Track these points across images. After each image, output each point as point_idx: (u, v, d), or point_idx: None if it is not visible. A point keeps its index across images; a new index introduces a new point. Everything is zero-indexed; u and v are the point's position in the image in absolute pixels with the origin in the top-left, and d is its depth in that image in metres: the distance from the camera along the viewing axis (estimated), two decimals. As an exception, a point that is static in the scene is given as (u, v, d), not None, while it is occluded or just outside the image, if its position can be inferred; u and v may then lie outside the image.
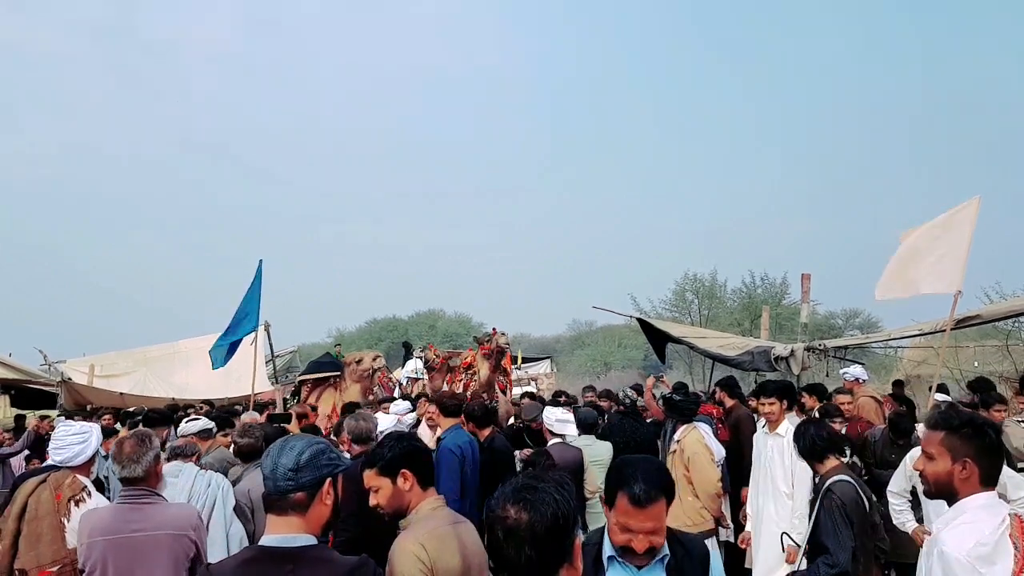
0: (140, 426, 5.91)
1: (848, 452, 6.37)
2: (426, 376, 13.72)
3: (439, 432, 6.33)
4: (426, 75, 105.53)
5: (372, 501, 2.84)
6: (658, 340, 13.72)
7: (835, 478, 4.27)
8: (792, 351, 10.69)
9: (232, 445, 5.82)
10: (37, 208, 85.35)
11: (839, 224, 73.88)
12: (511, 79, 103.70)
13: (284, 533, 2.20)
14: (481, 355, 12.56)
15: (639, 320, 14.88)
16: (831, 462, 4.40)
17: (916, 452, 5.18)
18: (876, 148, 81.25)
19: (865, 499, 4.17)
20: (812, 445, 4.49)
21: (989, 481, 2.48)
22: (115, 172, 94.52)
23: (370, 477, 2.83)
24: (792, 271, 33.65)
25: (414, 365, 15.57)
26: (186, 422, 6.47)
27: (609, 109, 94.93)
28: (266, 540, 2.20)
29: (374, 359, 12.85)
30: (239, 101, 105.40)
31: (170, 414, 8.38)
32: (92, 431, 4.30)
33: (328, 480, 2.33)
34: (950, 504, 2.53)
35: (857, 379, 8.52)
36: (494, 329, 12.57)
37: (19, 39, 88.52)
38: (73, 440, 4.22)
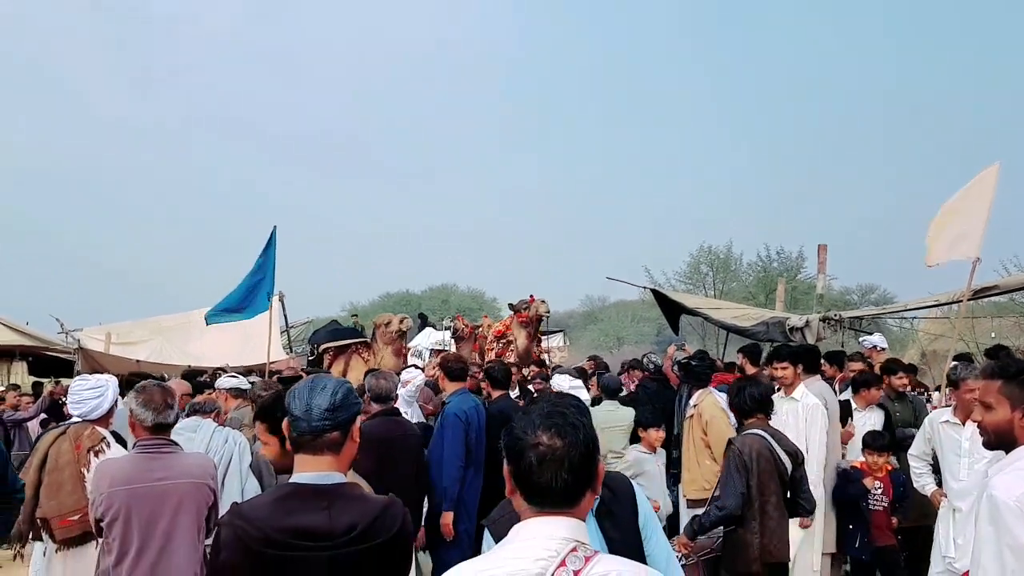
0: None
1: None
2: (454, 346, 13.63)
3: (444, 395, 6.36)
4: (425, 47, 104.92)
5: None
6: (672, 312, 13.65)
7: (745, 432, 4.40)
8: (807, 322, 10.66)
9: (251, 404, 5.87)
10: (45, 187, 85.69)
11: (856, 199, 73.25)
12: (520, 46, 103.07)
13: (318, 471, 2.22)
14: (518, 323, 12.24)
15: (653, 291, 14.83)
16: (753, 419, 4.49)
17: (937, 416, 5.17)
18: (895, 120, 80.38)
19: (780, 454, 4.26)
20: (741, 402, 4.57)
21: None
22: (124, 147, 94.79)
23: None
24: (808, 245, 33.37)
25: (432, 336, 15.47)
26: (224, 377, 6.57)
27: (623, 78, 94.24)
28: (299, 478, 2.22)
29: (401, 321, 12.74)
30: (245, 74, 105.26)
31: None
32: (108, 384, 4.35)
33: (357, 418, 2.35)
34: (1007, 452, 2.52)
35: (876, 347, 8.45)
36: (531, 296, 12.12)
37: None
38: (89, 394, 4.29)
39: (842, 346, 11.10)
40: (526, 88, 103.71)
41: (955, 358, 8.13)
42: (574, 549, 1.63)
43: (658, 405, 6.92)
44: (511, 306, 12.65)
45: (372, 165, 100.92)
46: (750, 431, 4.36)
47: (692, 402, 6.30)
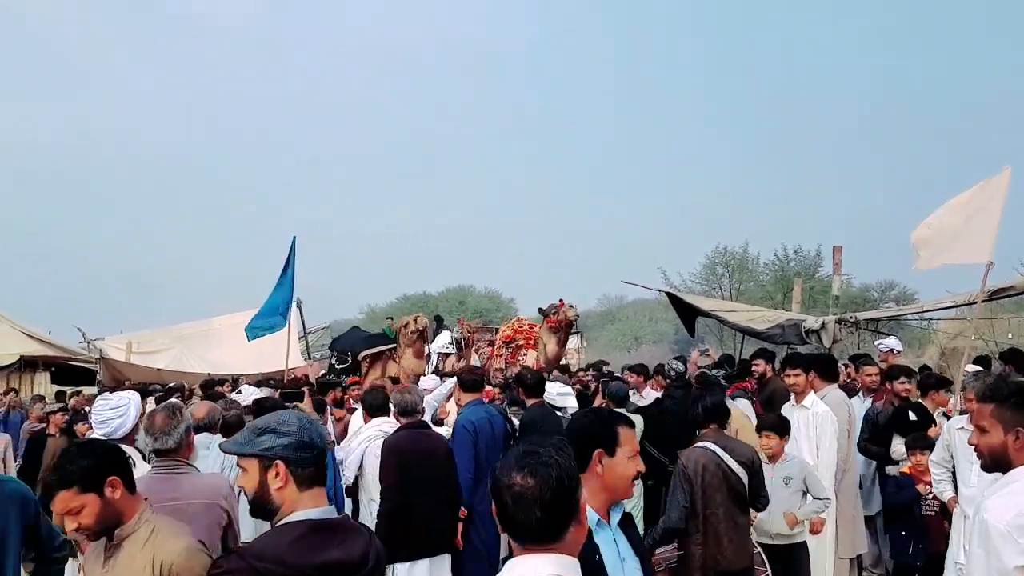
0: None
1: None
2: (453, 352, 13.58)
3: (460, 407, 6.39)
4: (440, 43, 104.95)
5: (73, 525, 2.45)
6: (688, 314, 13.65)
7: (695, 445, 4.44)
8: (823, 324, 10.61)
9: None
10: (63, 191, 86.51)
11: (875, 195, 72.70)
12: (536, 44, 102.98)
13: (323, 505, 2.23)
14: (547, 329, 11.94)
15: (668, 294, 14.79)
16: (706, 430, 4.52)
17: (954, 422, 5.19)
18: (912, 117, 79.69)
19: (729, 465, 4.29)
20: (695, 414, 4.60)
21: None
22: (140, 152, 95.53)
23: (67, 499, 2.44)
24: (827, 243, 33.17)
25: (444, 339, 15.47)
26: (235, 393, 6.55)
27: (638, 76, 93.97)
28: (310, 514, 2.19)
29: (415, 319, 12.61)
30: (263, 77, 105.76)
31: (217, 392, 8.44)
32: (130, 402, 4.25)
33: None
34: (1004, 473, 2.52)
35: (892, 350, 8.40)
36: (560, 301, 11.83)
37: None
38: (112, 413, 4.16)
39: (858, 348, 11.06)
40: (541, 89, 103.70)
41: (974, 361, 8.09)
42: None
43: (676, 412, 6.84)
44: (541, 311, 12.36)
45: (385, 166, 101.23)
46: (697, 444, 4.40)
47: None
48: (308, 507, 2.18)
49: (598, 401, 8.39)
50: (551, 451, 1.85)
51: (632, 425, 2.70)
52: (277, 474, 2.17)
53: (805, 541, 5.00)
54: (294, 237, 11.57)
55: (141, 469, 4.08)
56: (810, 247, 31.26)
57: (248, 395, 6.18)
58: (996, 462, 2.55)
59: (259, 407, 5.38)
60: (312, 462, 2.20)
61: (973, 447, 2.65)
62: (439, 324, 18.89)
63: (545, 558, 1.76)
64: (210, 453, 4.61)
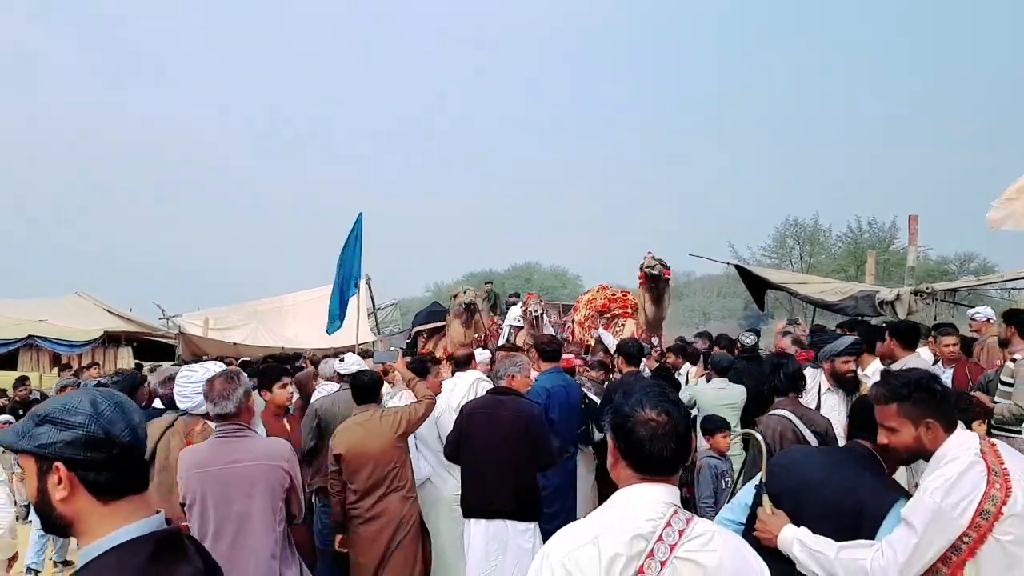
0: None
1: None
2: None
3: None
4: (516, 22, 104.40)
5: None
6: (757, 287, 13.35)
7: (771, 413, 4.39)
8: (898, 295, 10.31)
9: None
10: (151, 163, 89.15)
11: (956, 164, 70.06)
12: (611, 24, 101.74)
13: (152, 514, 1.66)
14: (641, 287, 11.11)
15: (736, 267, 14.52)
16: (784, 398, 4.48)
17: None
18: (995, 82, 76.38)
19: (804, 434, 4.23)
20: (776, 381, 4.53)
21: (951, 426, 2.59)
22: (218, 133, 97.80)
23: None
24: (902, 214, 32.20)
25: (515, 313, 15.13)
26: (338, 361, 6.57)
27: (709, 56, 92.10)
28: (141, 528, 1.62)
29: (464, 292, 11.99)
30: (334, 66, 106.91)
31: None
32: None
33: None
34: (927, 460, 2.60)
35: (988, 319, 8.01)
36: (649, 253, 10.77)
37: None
38: (196, 388, 4.14)
39: (935, 319, 10.72)
40: (603, 63, 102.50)
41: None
42: (676, 512, 1.90)
43: (748, 383, 6.82)
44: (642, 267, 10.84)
45: (453, 146, 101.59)
46: (773, 412, 4.34)
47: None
48: (122, 525, 1.60)
49: (698, 371, 8.40)
50: (673, 392, 2.07)
51: None
52: (59, 480, 1.58)
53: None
54: (360, 213, 11.49)
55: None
56: (885, 219, 30.42)
57: (351, 364, 6.19)
58: (913, 456, 2.67)
59: (353, 381, 5.36)
60: (109, 464, 1.60)
61: (882, 446, 2.71)
62: (516, 298, 18.74)
63: (660, 488, 1.95)
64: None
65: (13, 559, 4.34)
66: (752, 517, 2.83)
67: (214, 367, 4.28)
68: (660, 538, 1.84)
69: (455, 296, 12.16)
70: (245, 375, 3.71)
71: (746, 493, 2.96)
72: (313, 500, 5.77)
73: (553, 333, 11.89)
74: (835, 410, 5.11)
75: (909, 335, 5.81)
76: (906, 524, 2.43)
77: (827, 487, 2.71)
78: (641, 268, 10.65)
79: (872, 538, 2.53)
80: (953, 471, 2.43)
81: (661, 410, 1.96)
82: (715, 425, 6.10)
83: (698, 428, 7.05)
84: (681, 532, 1.86)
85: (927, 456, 2.59)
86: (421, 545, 5.22)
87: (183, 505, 3.50)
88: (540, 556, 1.94)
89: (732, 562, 1.85)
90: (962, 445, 2.52)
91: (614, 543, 1.83)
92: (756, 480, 2.92)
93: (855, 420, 3.03)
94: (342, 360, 6.37)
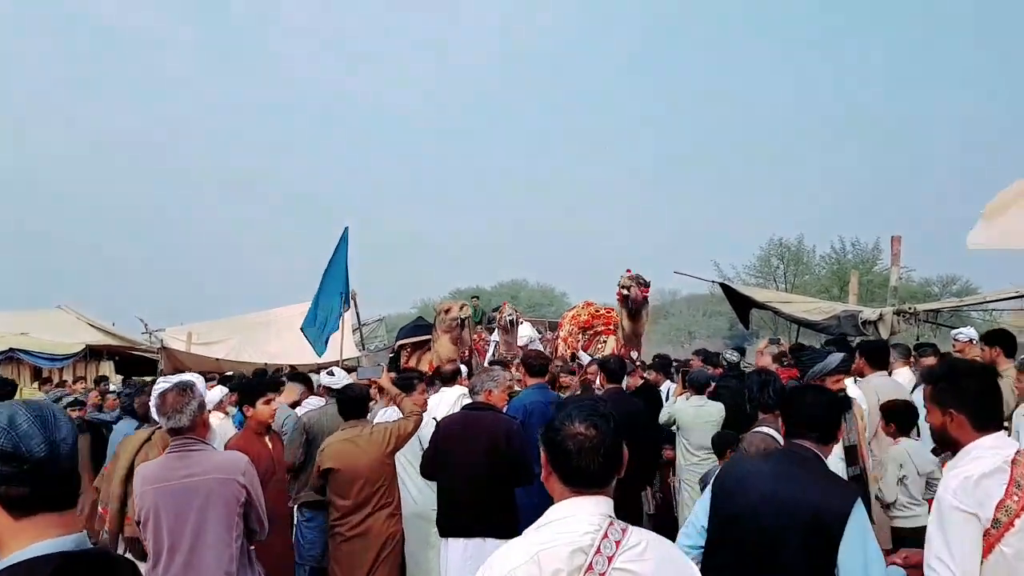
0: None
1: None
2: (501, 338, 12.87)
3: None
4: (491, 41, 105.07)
5: None
6: (742, 306, 13.46)
7: (755, 430, 4.41)
8: (881, 315, 10.41)
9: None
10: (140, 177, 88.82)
11: (938, 187, 70.71)
12: (593, 41, 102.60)
13: (72, 531, 1.62)
14: (619, 304, 11.17)
15: (721, 285, 14.63)
16: (769, 415, 4.46)
17: (1021, 409, 5.13)
18: (979, 104, 77.32)
19: None
20: (765, 397, 4.55)
21: (984, 426, 2.55)
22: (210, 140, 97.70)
23: None
24: (885, 236, 32.41)
25: (525, 331, 14.61)
26: (325, 375, 6.55)
27: (692, 66, 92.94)
28: (53, 546, 1.56)
29: (461, 308, 11.66)
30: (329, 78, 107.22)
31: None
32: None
33: None
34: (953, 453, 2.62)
35: (971, 340, 8.01)
36: (628, 270, 10.89)
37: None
38: None
39: (917, 339, 10.80)
40: (589, 83, 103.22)
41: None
42: (611, 523, 1.93)
43: (729, 401, 6.82)
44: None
45: (440, 161, 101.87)
46: (757, 429, 4.35)
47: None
48: (34, 542, 1.55)
49: (678, 390, 8.32)
50: (606, 404, 2.10)
51: None
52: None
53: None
54: (346, 227, 11.24)
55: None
56: (868, 240, 30.62)
57: (340, 378, 6.15)
58: (942, 440, 2.68)
59: (340, 395, 5.34)
60: (20, 479, 1.55)
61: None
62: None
63: (595, 500, 1.97)
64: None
65: None
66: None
67: (194, 380, 4.10)
68: (598, 550, 1.88)
69: (446, 310, 11.76)
70: (200, 387, 3.62)
71: (698, 515, 2.93)
72: (295, 514, 5.71)
73: (541, 349, 11.88)
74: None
75: (877, 354, 5.86)
76: (939, 532, 2.42)
77: (777, 500, 2.71)
78: (618, 286, 10.87)
79: (840, 537, 2.55)
80: (974, 471, 2.43)
81: (590, 424, 1.99)
82: (726, 441, 6.06)
83: (678, 446, 7.09)
84: (618, 543, 1.90)
85: (955, 447, 2.60)
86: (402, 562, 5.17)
87: (138, 523, 3.41)
88: None
89: (665, 568, 1.91)
90: (992, 447, 2.50)
91: (554, 559, 1.86)
92: (706, 500, 2.90)
93: (790, 418, 3.00)
94: (330, 374, 6.35)
